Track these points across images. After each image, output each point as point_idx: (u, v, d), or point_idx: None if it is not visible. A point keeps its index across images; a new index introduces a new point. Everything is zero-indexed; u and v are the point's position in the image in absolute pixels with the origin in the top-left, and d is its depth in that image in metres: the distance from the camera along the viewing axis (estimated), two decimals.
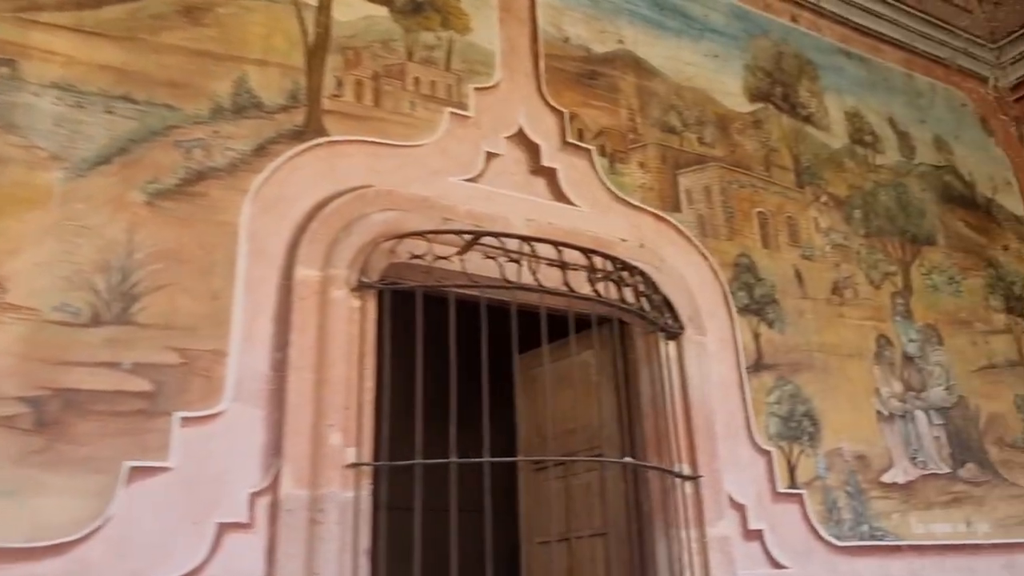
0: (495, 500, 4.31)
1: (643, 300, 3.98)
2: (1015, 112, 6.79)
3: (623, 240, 4.22)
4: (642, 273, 3.99)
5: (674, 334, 4.14)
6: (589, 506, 4.26)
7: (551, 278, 3.69)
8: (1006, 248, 6.07)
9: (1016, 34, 6.79)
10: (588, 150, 4.35)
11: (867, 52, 6.05)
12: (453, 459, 3.19)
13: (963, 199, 6.04)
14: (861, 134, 5.66)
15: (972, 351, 5.45)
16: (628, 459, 3.73)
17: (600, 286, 3.83)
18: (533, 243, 3.66)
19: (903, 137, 5.90)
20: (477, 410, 3.51)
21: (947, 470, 4.93)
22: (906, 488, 4.69)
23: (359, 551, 3.07)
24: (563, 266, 3.58)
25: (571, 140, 4.31)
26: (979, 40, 6.78)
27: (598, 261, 3.83)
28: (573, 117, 4.39)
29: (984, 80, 6.78)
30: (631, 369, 4.17)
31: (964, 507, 4.87)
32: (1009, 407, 5.44)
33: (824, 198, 5.22)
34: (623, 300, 3.79)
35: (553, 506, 4.37)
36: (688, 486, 3.91)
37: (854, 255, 5.19)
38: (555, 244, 3.65)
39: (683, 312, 4.22)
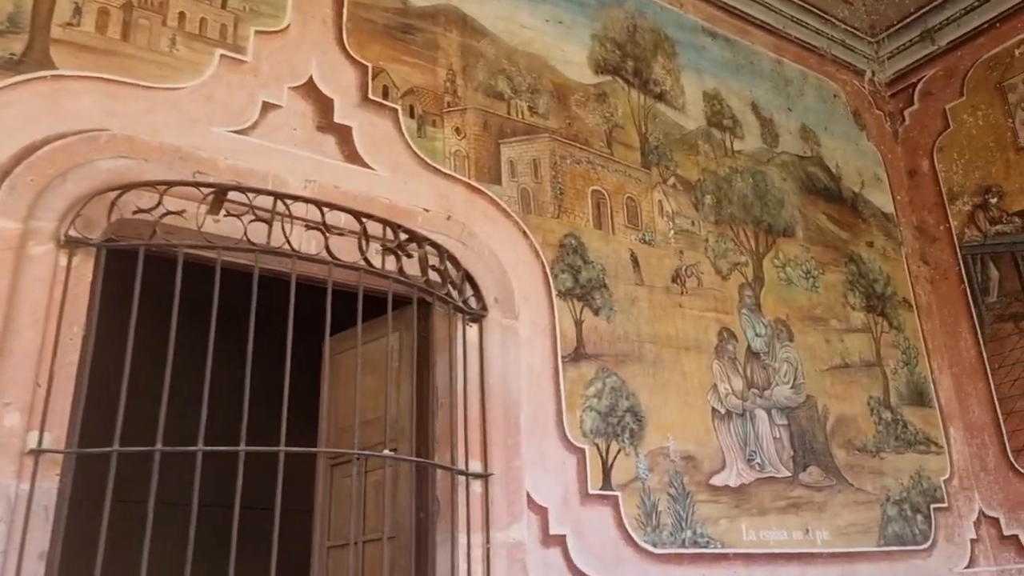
0: (303, 499, 3.81)
1: (439, 277, 3.55)
2: (891, 107, 6.60)
3: (426, 210, 3.78)
4: (436, 245, 3.55)
5: (475, 316, 3.71)
6: (382, 506, 3.80)
7: (345, 250, 3.25)
8: (870, 245, 5.84)
9: (896, 28, 6.60)
10: (394, 109, 3.90)
11: (734, 34, 5.75)
12: (159, 447, 2.69)
13: (828, 192, 5.78)
14: (720, 117, 5.34)
15: (825, 349, 5.17)
16: (388, 453, 3.28)
17: (393, 260, 3.40)
18: (307, 207, 3.20)
19: (766, 124, 5.61)
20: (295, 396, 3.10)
21: (787, 473, 4.62)
22: (739, 492, 4.36)
23: (29, 555, 2.54)
24: (326, 229, 3.12)
25: (373, 97, 3.86)
26: (857, 32, 6.56)
27: (384, 231, 3.38)
28: (378, 72, 3.94)
29: (860, 73, 6.57)
30: (430, 354, 3.73)
31: (803, 513, 4.56)
32: (861, 409, 5.18)
33: (672, 181, 4.88)
34: (402, 273, 3.34)
35: (348, 506, 3.91)
36: (477, 485, 3.48)
37: (701, 242, 4.86)
38: (321, 206, 3.19)
39: (489, 292, 3.80)
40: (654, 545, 3.92)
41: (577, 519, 3.73)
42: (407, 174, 3.82)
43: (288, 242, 3.06)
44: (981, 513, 5.46)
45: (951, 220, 6.03)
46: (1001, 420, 5.50)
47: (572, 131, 4.54)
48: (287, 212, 3.10)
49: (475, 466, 3.49)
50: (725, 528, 4.21)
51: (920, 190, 6.27)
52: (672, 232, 4.74)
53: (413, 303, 3.52)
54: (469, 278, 3.76)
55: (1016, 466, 5.37)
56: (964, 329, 5.81)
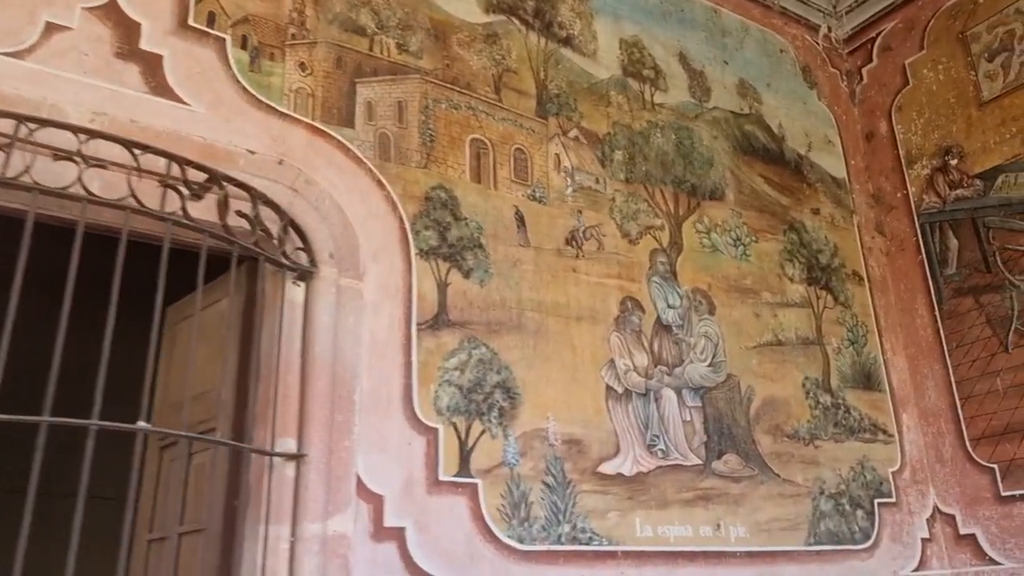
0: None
1: (249, 225, 3.04)
2: (848, 66, 6.02)
3: (251, 152, 3.27)
4: (246, 187, 3.04)
5: (302, 273, 3.20)
6: (201, 493, 3.30)
7: (146, 193, 2.76)
8: (816, 212, 5.26)
9: None
10: (220, 39, 3.40)
11: None
12: None
13: (767, 153, 5.22)
14: (639, 67, 4.80)
15: (754, 324, 4.61)
16: (182, 433, 2.77)
17: (215, 210, 2.90)
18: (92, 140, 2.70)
19: (696, 77, 5.05)
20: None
21: (697, 461, 4.06)
22: (634, 481, 3.81)
23: None
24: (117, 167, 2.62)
25: (195, 24, 3.36)
26: None
27: (179, 169, 2.88)
28: None
29: (814, 28, 5.99)
30: (255, 319, 3.21)
31: (715, 506, 4.01)
32: (795, 392, 4.61)
33: (574, 133, 4.34)
34: (227, 226, 2.83)
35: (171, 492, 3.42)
36: (290, 469, 2.97)
37: (606, 202, 4.31)
38: (93, 136, 2.69)
39: (322, 247, 3.29)
40: (520, 541, 3.39)
41: (422, 510, 3.21)
42: (232, 111, 3.32)
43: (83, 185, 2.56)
44: (936, 509, 4.88)
45: (909, 186, 5.45)
46: (959, 405, 4.91)
47: (451, 73, 4.02)
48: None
49: (287, 446, 2.98)
50: (614, 522, 3.67)
51: (877, 154, 5.69)
52: (570, 189, 4.20)
53: (233, 260, 3.02)
54: (297, 230, 3.25)
55: (974, 456, 4.79)
56: (921, 305, 5.22)
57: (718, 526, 3.98)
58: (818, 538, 4.31)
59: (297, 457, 2.96)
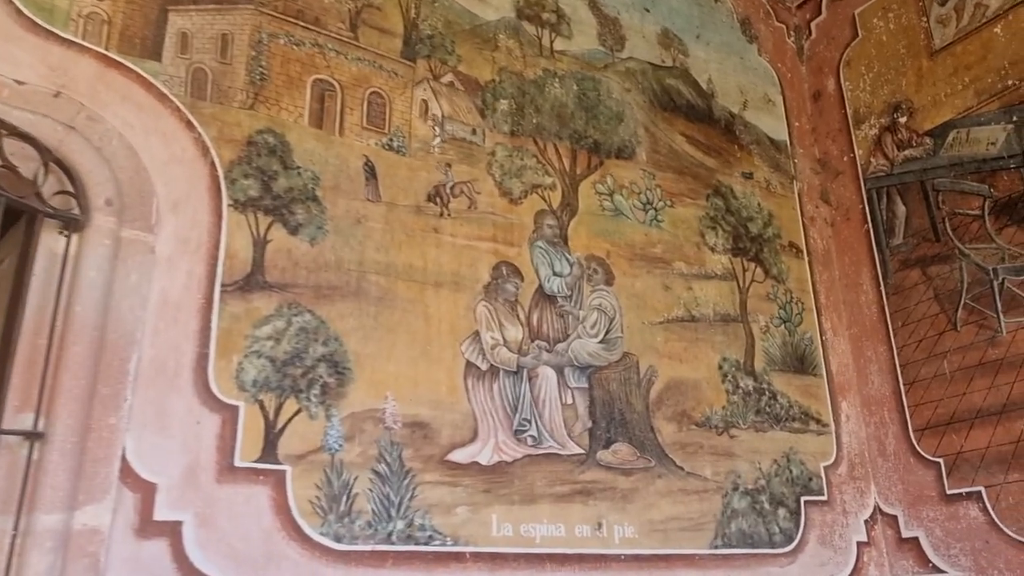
0: None
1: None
2: (797, 20, 5.45)
3: (19, 83, 2.80)
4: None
5: (67, 222, 2.72)
6: None
7: None
8: (748, 176, 4.71)
9: None
10: None
11: None
12: None
13: (692, 110, 4.67)
14: (538, 9, 4.27)
15: (662, 297, 4.07)
16: None
17: None
18: None
19: (608, 23, 4.52)
20: None
21: (578, 451, 3.53)
22: (494, 472, 3.29)
23: None
24: None
25: None
26: None
27: None
28: None
29: None
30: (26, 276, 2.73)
31: (597, 503, 3.48)
32: (708, 374, 4.06)
33: (449, 78, 3.83)
34: None
35: None
36: (25, 450, 2.48)
37: (484, 156, 3.80)
38: None
39: (98, 192, 2.80)
40: (338, 539, 2.88)
41: (207, 500, 2.71)
42: (1, 37, 2.84)
43: None
44: (877, 509, 4.31)
45: (856, 148, 4.88)
46: (903, 392, 4.34)
47: (294, 6, 3.52)
48: None
49: (24, 422, 2.49)
50: (463, 519, 3.15)
51: (824, 115, 5.12)
52: (438, 140, 3.69)
53: None
54: (67, 172, 2.76)
55: (918, 449, 4.21)
56: (866, 280, 4.65)
57: (599, 525, 3.44)
58: (727, 540, 3.76)
59: (32, 435, 2.47)
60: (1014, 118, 4.07)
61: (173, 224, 2.94)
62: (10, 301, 2.73)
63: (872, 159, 4.76)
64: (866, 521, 4.26)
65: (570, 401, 3.60)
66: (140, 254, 2.84)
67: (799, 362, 4.42)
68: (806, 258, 4.73)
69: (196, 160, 3.07)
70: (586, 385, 3.66)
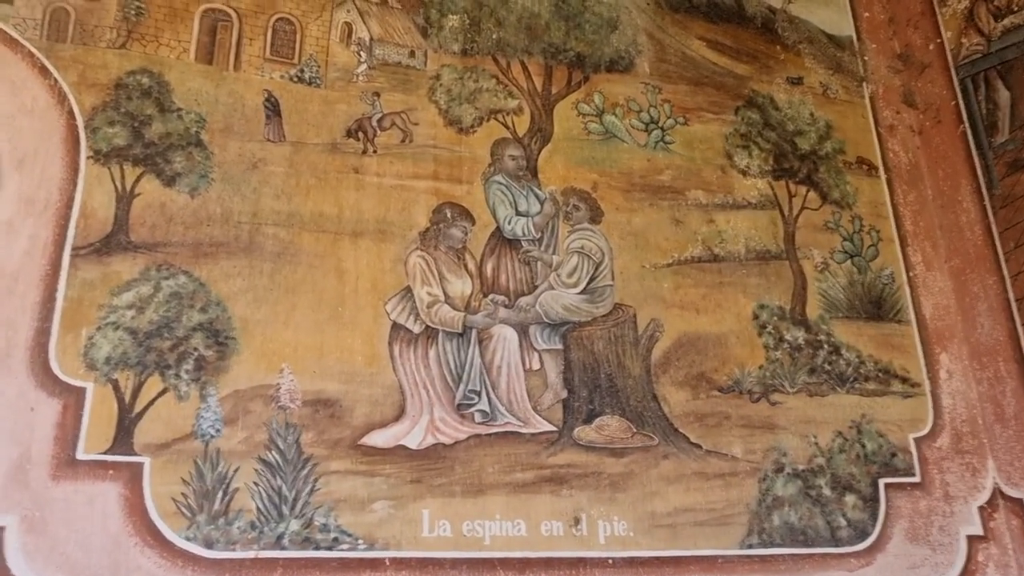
0: None
1: None
2: None
3: None
4: None
5: None
6: None
7: None
8: (797, 82, 3.76)
9: None
10: None
11: None
12: None
13: (715, 9, 3.79)
14: None
15: (671, 234, 3.26)
16: None
17: None
18: None
19: None
20: None
21: (547, 427, 2.81)
22: (427, 457, 2.64)
23: None
24: None
25: None
26: None
27: None
28: None
29: None
30: None
31: (574, 492, 2.74)
32: (739, 325, 3.20)
33: None
34: None
35: None
36: None
37: (425, 81, 3.17)
38: None
39: None
40: (208, 544, 2.34)
41: (38, 501, 2.26)
42: None
43: None
44: (998, 492, 3.24)
45: (943, 31, 3.80)
46: (1021, 335, 3.25)
47: None
48: None
49: None
50: (382, 517, 2.52)
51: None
52: (363, 67, 3.10)
53: None
54: None
55: None
56: (966, 196, 3.59)
57: (576, 521, 2.70)
58: (767, 537, 2.88)
59: None
60: None
61: (16, 183, 2.54)
62: None
63: (964, 40, 3.68)
64: (981, 508, 3.20)
65: (536, 367, 2.88)
66: None
67: (874, 306, 3.43)
68: (883, 176, 3.71)
69: (50, 109, 2.65)
70: (559, 346, 2.93)
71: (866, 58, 3.97)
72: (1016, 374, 3.26)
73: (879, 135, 3.80)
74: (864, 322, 3.39)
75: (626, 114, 3.41)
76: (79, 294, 2.48)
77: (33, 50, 2.70)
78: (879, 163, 3.74)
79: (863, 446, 3.15)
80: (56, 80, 2.68)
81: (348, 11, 3.15)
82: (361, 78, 3.08)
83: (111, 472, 2.34)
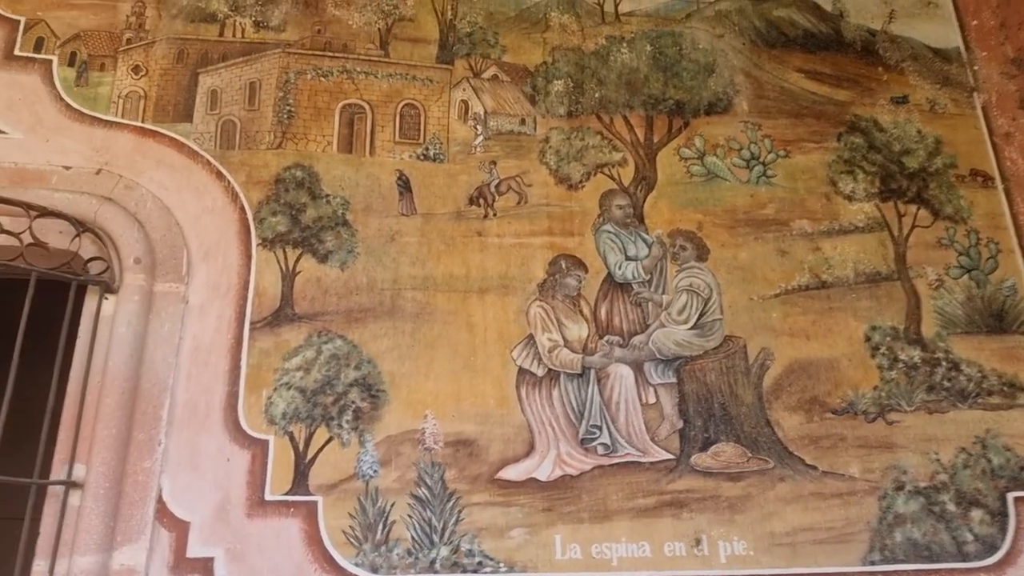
0: None
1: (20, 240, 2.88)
2: None
3: (66, 168, 3.15)
4: (28, 206, 2.88)
5: (97, 284, 2.96)
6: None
7: None
8: (900, 102, 3.82)
9: None
10: (46, 61, 3.35)
11: None
12: None
13: (812, 39, 3.92)
14: None
15: (777, 265, 3.42)
16: None
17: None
18: None
19: None
20: None
21: (665, 456, 3.06)
22: (556, 488, 2.96)
23: None
24: None
25: (21, 53, 3.34)
26: None
27: None
28: (34, 24, 3.41)
29: None
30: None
31: (694, 515, 2.97)
32: (850, 349, 3.32)
33: (491, 72, 3.61)
34: None
35: None
36: (74, 498, 2.71)
37: (535, 145, 3.51)
38: None
39: (128, 253, 3.03)
40: (374, 569, 2.76)
41: (238, 535, 2.75)
42: (51, 131, 3.22)
43: None
44: None
45: None
46: None
47: (322, 39, 3.56)
48: None
49: (65, 473, 2.73)
50: (519, 542, 2.86)
51: (1013, 1, 4.02)
52: (480, 139, 3.48)
53: (31, 281, 2.87)
54: (100, 239, 3.02)
55: None
56: None
57: (697, 542, 2.93)
58: (890, 554, 2.99)
59: (68, 484, 2.69)
60: None
61: (204, 272, 3.08)
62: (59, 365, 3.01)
63: None
64: None
65: (653, 400, 3.13)
66: (171, 305, 3.00)
67: (996, 319, 3.44)
68: (1000, 185, 3.70)
69: (226, 207, 3.20)
70: (673, 380, 3.17)
71: (976, 67, 3.95)
72: None
73: (994, 144, 3.79)
74: (986, 336, 3.41)
75: (727, 154, 3.60)
76: (258, 361, 2.98)
77: (210, 159, 3.26)
78: (995, 173, 3.72)
79: (989, 461, 3.18)
80: (229, 181, 3.23)
81: (464, 90, 3.55)
82: (479, 149, 3.46)
83: (292, 510, 2.81)
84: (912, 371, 3.29)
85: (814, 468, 3.09)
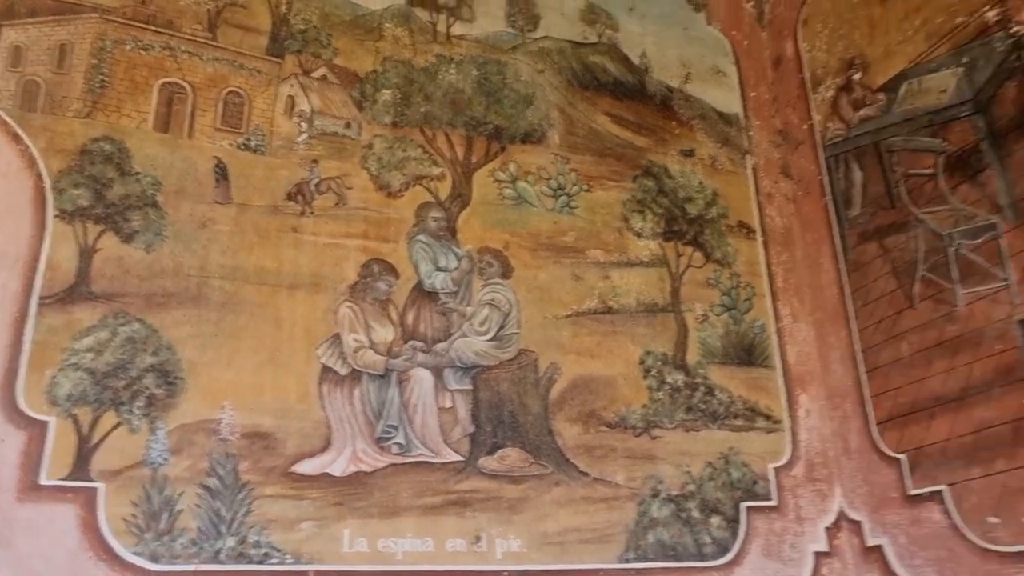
0: None
1: None
2: None
3: None
4: None
5: None
6: None
7: None
8: (688, 154, 4.31)
9: None
10: None
11: None
12: None
13: (620, 87, 4.32)
14: None
15: (571, 289, 3.74)
16: None
17: None
18: None
19: (519, 3, 4.24)
20: None
21: (456, 457, 3.26)
22: (349, 483, 3.06)
23: None
24: None
25: None
26: None
27: None
28: None
29: None
30: None
31: (476, 514, 3.19)
32: (627, 369, 3.70)
33: (321, 72, 3.66)
34: None
35: None
36: None
37: (359, 149, 3.60)
38: None
39: None
40: (154, 559, 2.72)
41: (6, 520, 2.61)
42: None
43: None
44: (842, 515, 3.80)
45: (814, 114, 4.40)
46: (864, 380, 3.83)
47: (145, 11, 3.44)
48: None
49: None
50: (308, 535, 2.93)
51: (784, 82, 4.66)
52: (304, 136, 3.52)
53: None
54: None
55: (879, 445, 3.70)
56: (826, 259, 4.17)
57: (477, 539, 3.15)
58: (642, 553, 3.38)
59: None
60: (964, 59, 3.54)
61: None
62: None
63: (829, 124, 4.28)
64: (828, 529, 3.76)
65: (449, 405, 3.33)
66: None
67: (746, 353, 3.98)
68: (760, 238, 4.27)
69: (21, 172, 3.01)
70: (470, 387, 3.38)
71: (751, 133, 4.55)
72: (859, 414, 3.83)
73: (759, 202, 4.37)
74: (736, 367, 3.93)
75: (537, 181, 3.89)
76: (44, 338, 2.84)
77: (7, 119, 3.05)
78: (757, 227, 4.30)
79: (729, 474, 3.68)
80: (28, 146, 3.04)
81: (292, 86, 3.57)
82: (301, 147, 3.50)
83: (69, 495, 2.70)
84: (675, 393, 3.74)
85: (586, 475, 3.43)
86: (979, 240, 3.37)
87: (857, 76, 4.13)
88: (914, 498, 3.50)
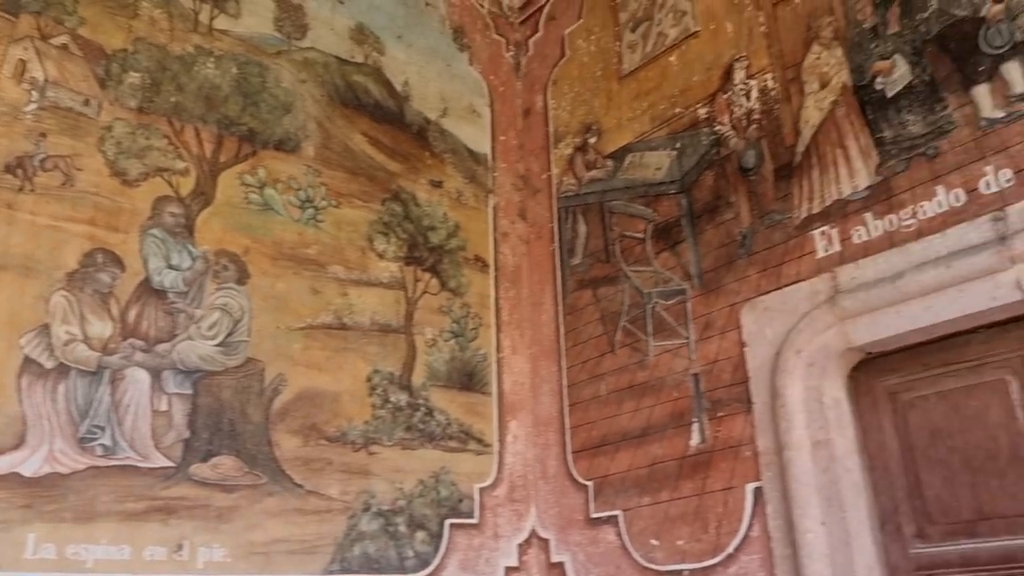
0: None
1: None
2: (518, 36, 5.39)
3: None
4: None
5: None
6: None
7: None
8: (436, 185, 4.53)
9: None
10: None
11: None
12: None
13: (380, 110, 4.45)
14: None
15: (308, 301, 3.78)
16: None
17: None
18: None
19: (290, 9, 4.24)
20: None
21: (165, 463, 3.16)
22: (40, 485, 2.86)
23: None
24: None
25: None
26: None
27: None
28: None
29: None
30: None
31: (181, 521, 3.11)
32: (353, 386, 3.81)
33: (62, 39, 3.40)
34: None
35: None
36: None
37: (96, 130, 3.39)
38: None
39: None
40: None
41: None
42: None
43: None
44: (534, 533, 4.17)
45: (553, 167, 4.83)
46: (566, 412, 4.26)
47: None
48: None
49: None
50: None
51: (531, 133, 5.06)
52: (32, 106, 3.25)
53: None
54: None
55: (572, 472, 4.13)
56: (547, 299, 4.58)
57: (179, 547, 3.07)
58: (346, 565, 3.49)
59: None
60: (678, 145, 4.11)
61: None
62: None
63: (564, 178, 4.73)
64: (520, 545, 4.12)
65: (165, 408, 3.23)
66: None
67: (467, 378, 4.26)
68: (492, 273, 4.60)
69: None
70: (190, 391, 3.30)
71: (496, 174, 4.89)
72: (559, 443, 4.26)
73: (495, 239, 4.71)
74: (457, 391, 4.20)
75: (286, 190, 3.90)
76: None
77: None
78: (491, 262, 4.63)
79: (438, 492, 3.92)
80: None
81: (25, 48, 3.29)
82: (29, 117, 3.22)
83: None
84: (398, 411, 3.91)
85: (301, 487, 3.48)
86: (671, 301, 3.92)
87: (592, 140, 4.62)
88: (595, 520, 3.96)
